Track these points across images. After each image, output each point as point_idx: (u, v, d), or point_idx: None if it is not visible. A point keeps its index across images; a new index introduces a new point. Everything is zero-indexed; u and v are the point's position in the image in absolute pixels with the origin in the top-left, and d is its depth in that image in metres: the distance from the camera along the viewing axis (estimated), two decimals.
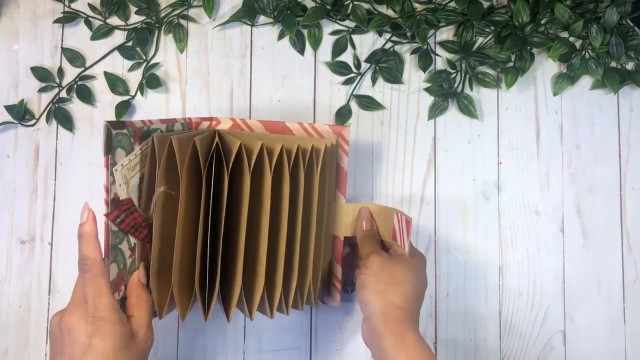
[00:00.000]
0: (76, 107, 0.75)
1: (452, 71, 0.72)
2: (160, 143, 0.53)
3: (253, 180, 0.55)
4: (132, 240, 0.56)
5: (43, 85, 0.74)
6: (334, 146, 0.62)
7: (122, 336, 0.50)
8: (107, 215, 0.52)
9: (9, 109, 0.74)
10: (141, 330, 0.53)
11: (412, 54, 0.73)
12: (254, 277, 0.57)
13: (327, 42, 0.74)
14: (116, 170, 0.52)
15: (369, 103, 0.73)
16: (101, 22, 0.75)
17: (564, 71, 0.72)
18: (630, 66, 0.72)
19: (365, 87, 0.74)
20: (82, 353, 0.49)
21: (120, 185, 0.53)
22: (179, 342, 0.71)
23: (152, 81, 0.73)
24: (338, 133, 0.63)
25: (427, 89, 0.73)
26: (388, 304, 0.57)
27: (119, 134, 0.52)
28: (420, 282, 0.61)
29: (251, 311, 0.57)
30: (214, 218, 0.56)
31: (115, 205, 0.52)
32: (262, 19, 0.75)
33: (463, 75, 0.72)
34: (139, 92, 0.74)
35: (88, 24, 0.75)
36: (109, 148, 0.51)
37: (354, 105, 0.73)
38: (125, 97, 0.74)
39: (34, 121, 0.74)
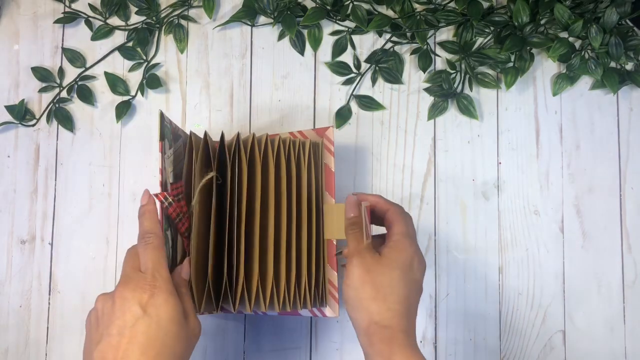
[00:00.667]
0: (77, 107, 0.75)
1: (452, 71, 0.72)
2: (196, 137, 0.58)
3: (260, 172, 0.59)
4: (170, 235, 0.57)
5: (43, 85, 0.75)
6: (317, 144, 0.63)
7: (177, 309, 0.49)
8: (157, 194, 0.54)
9: (10, 109, 0.74)
10: (191, 315, 0.51)
11: (412, 54, 0.73)
12: (266, 269, 0.59)
13: (327, 42, 0.74)
14: (167, 157, 0.55)
15: (369, 103, 0.73)
16: (101, 23, 0.75)
17: (564, 71, 0.73)
18: (629, 66, 0.72)
19: (365, 88, 0.74)
20: (135, 320, 0.47)
21: (168, 171, 0.55)
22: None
23: (152, 81, 0.73)
24: (322, 134, 0.63)
25: (427, 89, 0.73)
26: (372, 324, 0.50)
27: (166, 125, 0.55)
28: (411, 285, 0.53)
29: (265, 303, 0.58)
30: (226, 211, 0.59)
31: (166, 187, 0.54)
32: (262, 19, 0.75)
33: (463, 75, 0.72)
34: (139, 93, 0.74)
35: (88, 24, 0.75)
36: (163, 135, 0.54)
37: (354, 106, 0.73)
38: (126, 98, 0.74)
39: (34, 121, 0.74)
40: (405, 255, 0.53)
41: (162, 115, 0.54)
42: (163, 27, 0.75)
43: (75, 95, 0.74)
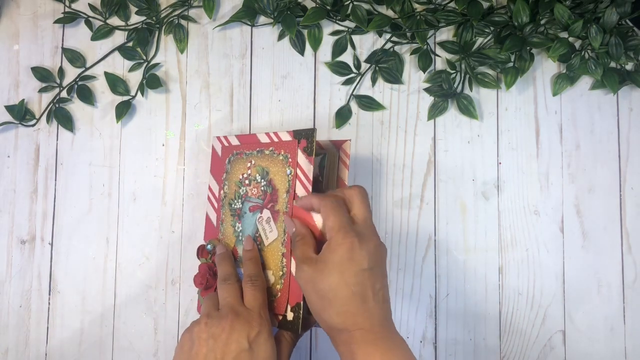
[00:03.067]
0: (77, 107, 0.75)
1: (452, 71, 0.72)
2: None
3: None
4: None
5: (43, 85, 0.75)
6: (334, 155, 0.63)
7: (274, 351, 0.53)
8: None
9: (10, 109, 0.74)
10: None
11: (412, 54, 0.73)
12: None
13: (327, 42, 0.74)
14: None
15: (369, 103, 0.73)
16: (101, 23, 0.75)
17: (564, 71, 0.73)
18: (629, 66, 0.72)
19: (365, 87, 0.74)
20: (240, 351, 0.52)
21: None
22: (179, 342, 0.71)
23: (152, 81, 0.73)
24: (339, 146, 0.63)
25: (427, 89, 0.73)
26: (330, 330, 0.51)
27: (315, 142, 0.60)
28: (359, 278, 0.50)
29: None
30: None
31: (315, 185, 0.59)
32: (262, 19, 0.75)
33: (463, 75, 0.72)
34: (139, 93, 0.74)
35: (88, 24, 0.75)
36: (312, 151, 0.59)
37: (354, 106, 0.73)
38: (126, 97, 0.74)
39: (34, 121, 0.74)
40: (340, 252, 0.50)
41: (315, 131, 0.58)
42: (163, 27, 0.75)
43: (75, 95, 0.75)
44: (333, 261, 0.50)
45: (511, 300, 0.70)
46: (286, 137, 0.61)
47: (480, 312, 0.70)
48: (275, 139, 0.62)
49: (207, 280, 0.63)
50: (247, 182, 0.63)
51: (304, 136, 0.59)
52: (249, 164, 0.63)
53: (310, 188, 0.58)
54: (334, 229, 0.52)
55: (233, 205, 0.64)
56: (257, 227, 0.61)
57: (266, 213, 0.61)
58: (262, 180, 0.62)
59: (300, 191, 0.58)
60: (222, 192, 0.65)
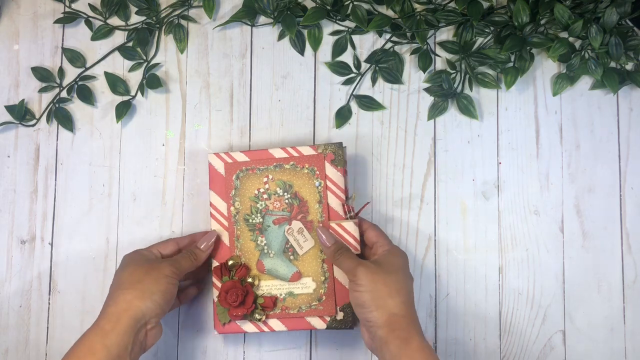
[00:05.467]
0: (77, 107, 0.75)
1: (452, 71, 0.72)
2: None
3: None
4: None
5: (43, 85, 0.75)
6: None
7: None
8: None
9: (10, 109, 0.74)
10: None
11: (412, 54, 0.73)
12: None
13: (327, 42, 0.74)
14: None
15: (369, 103, 0.73)
16: (102, 23, 0.75)
17: (564, 71, 0.73)
18: (629, 66, 0.72)
19: (365, 87, 0.74)
20: None
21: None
22: (179, 342, 0.71)
23: (152, 81, 0.73)
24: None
25: (427, 89, 0.73)
26: (392, 316, 0.57)
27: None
28: (410, 281, 0.62)
29: None
30: None
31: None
32: (262, 19, 0.75)
33: (463, 75, 0.72)
34: (139, 92, 0.74)
35: (88, 24, 0.75)
36: (344, 162, 0.67)
37: (354, 106, 0.73)
38: (126, 97, 0.74)
39: (34, 121, 0.74)
40: (401, 260, 0.62)
41: (342, 146, 0.67)
42: (163, 27, 0.75)
43: (75, 95, 0.75)
44: (396, 264, 0.61)
45: (511, 300, 0.70)
46: (309, 152, 0.67)
47: (480, 312, 0.70)
48: (295, 154, 0.67)
49: (237, 296, 0.64)
50: (265, 196, 0.67)
51: (330, 150, 0.66)
52: (265, 179, 0.67)
53: (343, 197, 0.66)
54: (388, 242, 0.64)
55: (251, 221, 0.67)
56: (287, 239, 0.66)
57: (296, 224, 0.66)
58: (285, 194, 0.66)
59: (333, 201, 0.66)
60: (231, 208, 0.67)
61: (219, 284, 0.66)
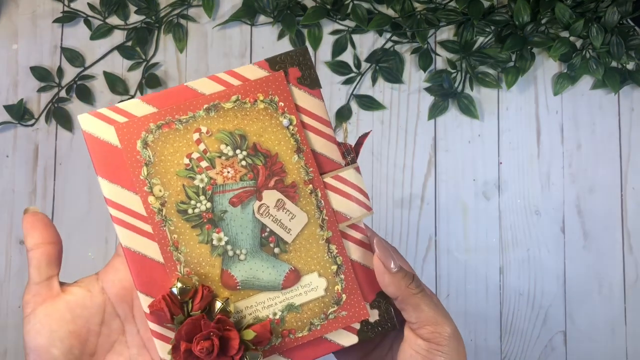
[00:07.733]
0: (76, 106, 0.75)
1: (453, 71, 0.72)
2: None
3: None
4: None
5: (42, 85, 0.74)
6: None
7: None
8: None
9: (8, 108, 0.73)
10: None
11: (412, 53, 0.73)
12: None
13: (327, 41, 0.74)
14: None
15: (369, 103, 0.73)
16: (101, 22, 0.75)
17: (565, 71, 0.72)
18: (630, 66, 0.72)
19: (366, 87, 0.74)
20: None
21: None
22: None
23: (151, 81, 0.73)
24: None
25: (427, 89, 0.73)
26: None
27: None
28: None
29: None
30: None
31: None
32: (262, 18, 0.75)
33: (463, 75, 0.72)
34: (138, 92, 0.74)
35: (87, 23, 0.75)
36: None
37: (354, 105, 0.73)
38: (125, 97, 0.74)
39: (33, 121, 0.74)
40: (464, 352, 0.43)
41: (307, 52, 0.40)
42: (162, 27, 0.75)
43: (74, 95, 0.74)
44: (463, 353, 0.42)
45: (512, 301, 0.70)
46: (258, 73, 0.40)
47: (481, 313, 0.70)
48: (236, 82, 0.40)
49: (210, 342, 0.37)
50: (203, 164, 0.40)
51: (291, 63, 0.40)
52: (196, 136, 0.40)
53: (331, 133, 0.41)
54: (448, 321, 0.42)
55: (190, 211, 0.40)
56: (261, 223, 0.41)
57: (271, 196, 0.40)
58: (238, 152, 0.40)
59: (318, 142, 0.41)
60: (150, 199, 0.40)
61: (168, 333, 0.38)
